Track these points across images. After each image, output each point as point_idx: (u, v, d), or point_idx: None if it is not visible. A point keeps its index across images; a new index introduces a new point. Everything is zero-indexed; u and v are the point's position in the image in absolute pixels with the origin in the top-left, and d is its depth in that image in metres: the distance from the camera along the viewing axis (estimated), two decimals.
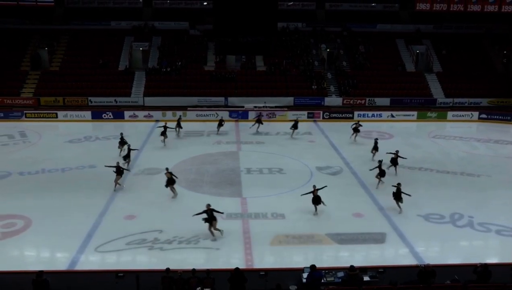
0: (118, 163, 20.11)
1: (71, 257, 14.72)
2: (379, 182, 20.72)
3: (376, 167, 20.73)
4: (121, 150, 24.66)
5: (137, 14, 43.20)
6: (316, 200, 17.73)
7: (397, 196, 18.12)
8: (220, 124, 29.76)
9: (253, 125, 30.32)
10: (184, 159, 24.50)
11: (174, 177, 19.28)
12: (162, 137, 26.65)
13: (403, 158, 22.68)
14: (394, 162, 22.50)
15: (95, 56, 38.53)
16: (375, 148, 24.55)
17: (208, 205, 16.05)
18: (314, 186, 18.09)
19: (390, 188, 20.63)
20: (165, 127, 26.72)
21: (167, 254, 15.07)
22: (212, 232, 15.90)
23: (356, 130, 28.08)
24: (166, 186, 19.24)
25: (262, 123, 30.25)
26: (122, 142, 24.82)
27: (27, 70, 37.55)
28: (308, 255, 15.16)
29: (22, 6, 36.44)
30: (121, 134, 25.56)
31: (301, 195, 18.14)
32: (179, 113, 31.97)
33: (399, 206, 18.23)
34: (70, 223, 16.97)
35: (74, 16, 42.33)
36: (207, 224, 15.84)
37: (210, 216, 15.83)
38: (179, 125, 28.59)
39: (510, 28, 41.60)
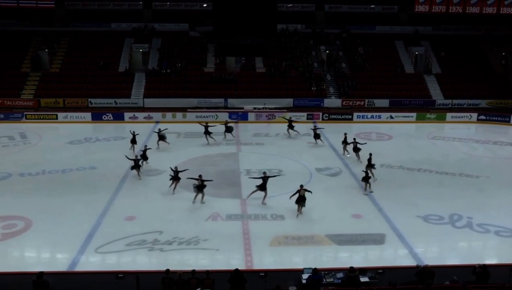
0: (200, 176, 18.95)
1: (71, 258, 14.77)
2: (358, 158, 23.83)
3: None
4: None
5: (137, 15, 43.25)
6: (366, 179, 20.12)
7: (369, 164, 21.07)
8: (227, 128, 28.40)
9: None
10: (184, 161, 24.53)
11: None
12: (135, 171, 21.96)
13: (362, 143, 24.45)
14: (356, 150, 24.29)
15: (95, 57, 38.56)
16: (316, 136, 27.22)
17: (301, 186, 17.77)
18: (370, 158, 21.19)
19: (387, 188, 20.77)
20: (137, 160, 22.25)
21: (167, 255, 15.13)
22: (300, 210, 17.80)
23: (316, 136, 27.41)
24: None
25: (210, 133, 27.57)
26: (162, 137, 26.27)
27: (27, 72, 37.60)
28: (307, 256, 15.22)
29: (22, 8, 36.52)
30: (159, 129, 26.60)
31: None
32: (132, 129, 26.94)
33: (372, 173, 20.98)
34: (71, 224, 17.04)
35: (74, 17, 42.37)
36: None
37: (300, 197, 17.64)
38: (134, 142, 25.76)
39: (509, 30, 41.67)
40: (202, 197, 18.91)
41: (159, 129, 26.79)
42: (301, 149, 27.10)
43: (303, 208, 17.85)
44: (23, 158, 24.86)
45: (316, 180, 21.75)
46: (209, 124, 27.94)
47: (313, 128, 28.20)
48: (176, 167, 20.15)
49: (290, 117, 31.05)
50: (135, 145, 25.65)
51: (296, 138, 28.96)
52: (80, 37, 40.56)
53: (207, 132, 27.48)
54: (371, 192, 20.22)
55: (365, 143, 24.85)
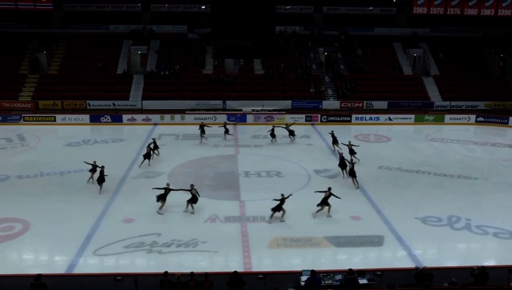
0: (192, 185, 18.67)
1: (69, 260, 14.75)
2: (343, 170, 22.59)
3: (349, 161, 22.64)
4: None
5: (135, 17, 43.25)
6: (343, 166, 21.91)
7: (352, 173, 21.22)
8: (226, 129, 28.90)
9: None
10: (182, 163, 24.54)
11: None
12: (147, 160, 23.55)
13: (356, 146, 24.51)
14: (351, 152, 24.04)
15: (93, 59, 38.51)
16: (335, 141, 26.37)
17: (329, 189, 18.19)
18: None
19: (385, 190, 20.78)
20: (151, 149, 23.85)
21: (165, 257, 15.12)
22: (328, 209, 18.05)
23: (273, 135, 28.34)
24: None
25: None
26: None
27: (25, 74, 37.54)
28: (306, 258, 15.21)
29: (20, 10, 36.48)
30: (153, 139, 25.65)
31: None
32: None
33: (355, 182, 21.10)
34: (69, 226, 17.01)
35: (72, 19, 42.38)
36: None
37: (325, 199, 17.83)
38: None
39: (507, 32, 41.77)
40: (192, 207, 18.25)
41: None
42: (299, 151, 27.09)
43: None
44: (21, 160, 24.81)
45: (314, 182, 21.74)
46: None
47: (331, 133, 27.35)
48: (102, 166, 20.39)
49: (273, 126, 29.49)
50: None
51: (294, 140, 28.86)
52: (79, 39, 40.53)
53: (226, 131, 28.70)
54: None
55: (358, 146, 24.71)
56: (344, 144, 24.95)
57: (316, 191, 18.51)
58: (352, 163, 21.76)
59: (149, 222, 17.47)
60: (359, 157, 24.07)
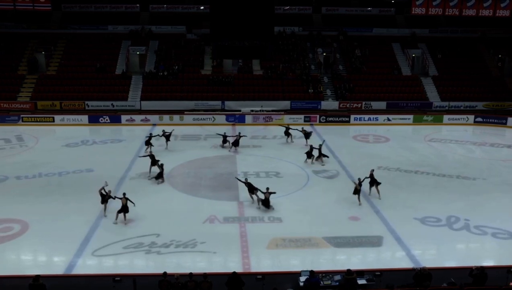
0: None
1: (68, 261, 14.74)
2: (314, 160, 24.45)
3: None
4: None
5: (134, 18, 43.24)
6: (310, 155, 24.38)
7: (320, 154, 24.16)
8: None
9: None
10: (181, 163, 24.53)
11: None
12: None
13: (309, 132, 27.81)
14: (307, 136, 27.35)
15: (92, 60, 38.51)
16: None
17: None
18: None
19: (384, 191, 20.78)
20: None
21: (164, 258, 15.12)
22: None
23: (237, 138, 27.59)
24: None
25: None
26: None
27: (24, 74, 37.51)
28: (305, 259, 15.20)
29: (19, 10, 36.44)
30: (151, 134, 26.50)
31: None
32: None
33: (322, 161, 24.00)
34: (67, 227, 16.99)
35: (71, 20, 42.35)
36: None
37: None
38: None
39: (505, 32, 41.84)
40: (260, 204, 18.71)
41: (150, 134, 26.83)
42: (298, 152, 27.01)
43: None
44: (19, 160, 24.76)
45: (313, 183, 21.76)
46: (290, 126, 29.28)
47: (301, 130, 28.34)
48: (110, 191, 18.35)
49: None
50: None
51: (293, 141, 28.85)
52: (77, 40, 40.51)
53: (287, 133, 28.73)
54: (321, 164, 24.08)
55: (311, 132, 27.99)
56: (299, 130, 28.12)
57: (366, 177, 19.90)
58: (320, 146, 24.55)
59: (147, 222, 17.45)
60: (359, 158, 24.11)
